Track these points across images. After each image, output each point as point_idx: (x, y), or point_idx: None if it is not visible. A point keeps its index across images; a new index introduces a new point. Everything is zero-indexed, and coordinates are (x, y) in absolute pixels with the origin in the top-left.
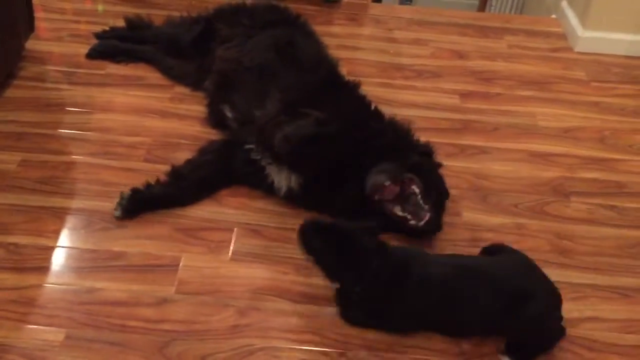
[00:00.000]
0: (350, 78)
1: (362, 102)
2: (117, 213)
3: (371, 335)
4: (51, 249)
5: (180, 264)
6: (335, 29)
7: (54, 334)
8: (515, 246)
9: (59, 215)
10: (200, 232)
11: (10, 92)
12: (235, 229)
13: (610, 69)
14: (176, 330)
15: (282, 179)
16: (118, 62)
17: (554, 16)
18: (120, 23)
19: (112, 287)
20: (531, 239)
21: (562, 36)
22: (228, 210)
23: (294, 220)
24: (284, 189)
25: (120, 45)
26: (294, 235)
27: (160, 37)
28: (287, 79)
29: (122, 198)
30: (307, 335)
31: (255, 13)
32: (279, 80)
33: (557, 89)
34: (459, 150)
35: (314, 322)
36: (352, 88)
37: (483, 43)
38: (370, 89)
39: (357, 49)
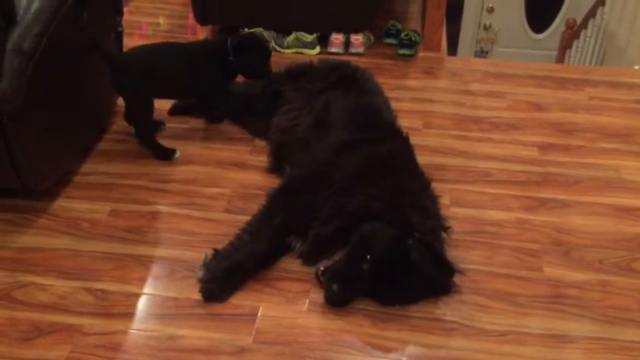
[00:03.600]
0: (403, 130)
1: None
2: (201, 274)
3: None
4: (136, 295)
5: (259, 314)
6: (411, 82)
7: None
8: (600, 304)
9: (144, 263)
10: (278, 282)
11: (102, 145)
12: (313, 280)
13: None
14: None
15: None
16: (197, 117)
17: (637, 67)
18: None
19: (193, 335)
20: (618, 297)
21: None
22: None
23: None
24: None
25: (198, 102)
26: None
27: (234, 94)
28: (314, 147)
29: (205, 260)
30: None
31: (315, 75)
32: (309, 149)
33: None
34: (539, 203)
35: None
36: (382, 144)
37: (562, 95)
38: (446, 141)
39: (433, 101)
